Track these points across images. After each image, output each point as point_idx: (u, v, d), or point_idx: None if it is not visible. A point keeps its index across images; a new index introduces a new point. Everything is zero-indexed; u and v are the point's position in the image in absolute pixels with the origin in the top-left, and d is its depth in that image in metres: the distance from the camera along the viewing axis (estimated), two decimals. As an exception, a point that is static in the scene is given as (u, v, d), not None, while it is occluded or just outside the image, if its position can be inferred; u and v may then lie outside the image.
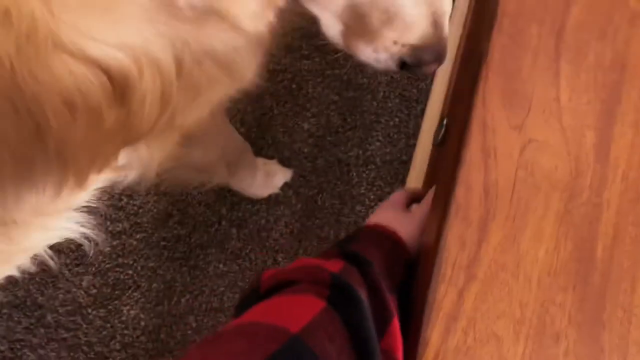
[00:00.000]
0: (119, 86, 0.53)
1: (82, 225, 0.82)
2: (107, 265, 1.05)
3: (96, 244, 0.86)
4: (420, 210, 0.60)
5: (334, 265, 0.47)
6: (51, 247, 0.82)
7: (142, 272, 1.05)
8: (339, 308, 0.42)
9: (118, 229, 1.06)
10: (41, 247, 0.78)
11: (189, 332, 1.03)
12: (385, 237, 0.55)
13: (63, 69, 0.49)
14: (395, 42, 0.54)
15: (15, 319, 1.02)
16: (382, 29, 0.54)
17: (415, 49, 0.54)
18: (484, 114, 0.50)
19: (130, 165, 0.74)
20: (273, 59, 1.25)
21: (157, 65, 0.54)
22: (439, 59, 0.55)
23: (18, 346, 1.01)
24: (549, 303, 0.46)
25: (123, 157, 0.69)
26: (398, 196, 0.65)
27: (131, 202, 1.08)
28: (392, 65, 0.56)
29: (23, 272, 0.80)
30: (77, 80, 0.50)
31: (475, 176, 0.48)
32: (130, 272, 1.05)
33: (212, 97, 0.70)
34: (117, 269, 1.05)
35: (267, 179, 1.06)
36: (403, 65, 0.56)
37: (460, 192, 0.48)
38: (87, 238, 0.83)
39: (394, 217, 0.59)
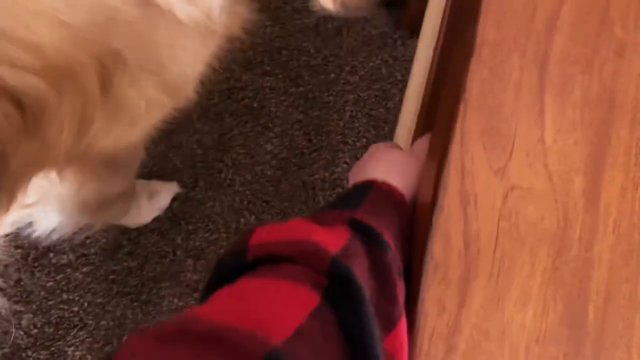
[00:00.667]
0: (33, 116, 0.46)
1: None
2: (50, 302, 0.96)
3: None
4: (421, 146, 0.55)
5: (337, 240, 0.39)
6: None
7: (89, 308, 0.96)
8: (336, 305, 0.35)
9: (62, 261, 0.98)
10: None
11: (141, 373, 0.95)
12: (397, 203, 0.48)
13: None
14: None
15: (-56, 365, 0.92)
16: None
17: None
18: (462, 155, 0.45)
19: (43, 202, 0.67)
20: (233, 76, 1.18)
21: (79, 86, 0.48)
22: None
23: (-54, 396, 0.91)
24: (538, 376, 0.40)
25: (33, 193, 0.62)
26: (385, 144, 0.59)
27: (77, 231, 0.99)
28: None
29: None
30: None
31: (455, 227, 0.43)
32: (76, 309, 0.96)
33: (149, 122, 0.64)
34: (61, 305, 0.96)
35: (151, 201, 0.98)
36: None
37: (437, 246, 0.42)
38: None
39: (396, 161, 0.53)
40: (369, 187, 0.49)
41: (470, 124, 0.46)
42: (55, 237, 0.82)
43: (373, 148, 0.58)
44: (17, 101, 0.45)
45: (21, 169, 0.51)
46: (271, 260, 0.38)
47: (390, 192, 0.49)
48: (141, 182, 0.97)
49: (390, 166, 0.52)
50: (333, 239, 0.39)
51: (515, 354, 0.41)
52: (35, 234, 0.83)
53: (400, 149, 0.59)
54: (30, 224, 0.81)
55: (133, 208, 0.95)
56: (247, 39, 0.64)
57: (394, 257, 0.41)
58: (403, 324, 0.39)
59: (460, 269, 0.42)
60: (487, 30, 0.49)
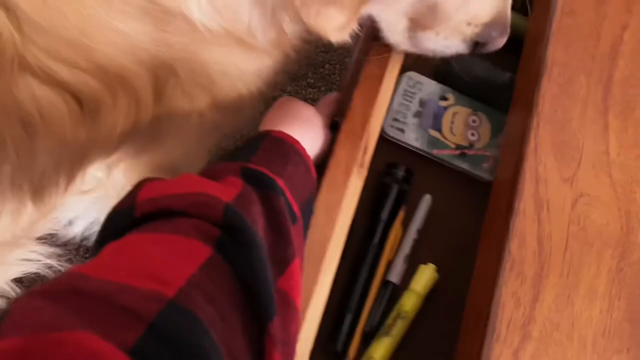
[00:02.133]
0: (89, 109, 0.50)
1: (47, 257, 0.77)
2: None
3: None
4: (323, 109, 0.56)
5: (229, 190, 0.39)
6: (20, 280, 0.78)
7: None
8: (229, 254, 0.35)
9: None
10: (2, 282, 0.73)
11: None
12: (291, 150, 0.48)
13: (26, 93, 0.46)
14: (468, 24, 0.53)
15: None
16: (456, 14, 0.52)
17: (485, 27, 0.53)
18: (536, 164, 0.49)
19: (100, 188, 0.70)
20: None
21: (133, 92, 0.52)
22: (505, 31, 0.54)
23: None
24: (604, 366, 0.44)
25: (91, 179, 0.65)
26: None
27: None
28: (464, 48, 0.55)
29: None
30: (40, 105, 0.47)
31: (529, 229, 0.47)
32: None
33: (203, 138, 0.67)
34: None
35: None
36: (475, 45, 0.55)
37: (514, 245, 0.46)
38: (51, 269, 0.79)
39: (299, 114, 0.53)
40: (263, 136, 0.49)
41: (543, 135, 0.50)
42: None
43: (281, 99, 0.59)
44: (76, 96, 0.49)
45: (79, 155, 0.55)
46: (162, 215, 0.37)
47: (283, 139, 0.49)
48: None
49: (291, 118, 0.53)
50: (226, 189, 0.39)
51: (583, 345, 0.44)
52: (94, 230, 0.86)
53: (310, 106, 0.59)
54: (92, 223, 0.85)
55: None
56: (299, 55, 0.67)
57: (286, 202, 0.42)
58: (296, 263, 0.40)
59: (535, 267, 0.46)
60: (557, 51, 0.53)
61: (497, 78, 0.64)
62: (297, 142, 0.49)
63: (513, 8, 0.55)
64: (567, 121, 0.51)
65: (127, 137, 0.56)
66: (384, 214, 0.58)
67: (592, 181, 0.49)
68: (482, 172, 0.61)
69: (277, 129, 0.50)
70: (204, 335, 0.30)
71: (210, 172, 0.43)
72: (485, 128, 0.64)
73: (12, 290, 0.75)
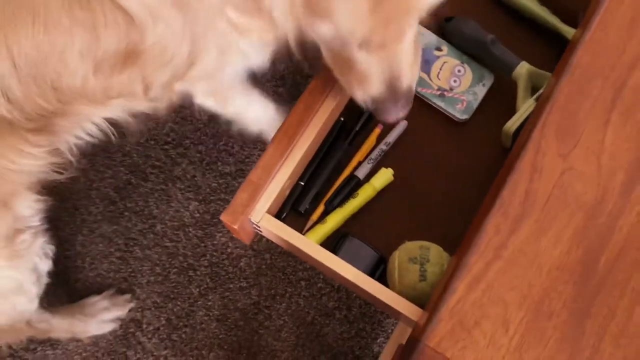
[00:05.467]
0: None
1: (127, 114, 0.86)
2: (212, 197, 1.27)
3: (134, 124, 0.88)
4: None
5: None
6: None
7: (237, 209, 1.26)
8: None
9: (226, 170, 1.28)
10: (94, 116, 0.83)
11: (263, 267, 1.23)
12: None
13: None
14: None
15: (133, 221, 1.26)
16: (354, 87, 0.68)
17: (375, 100, 0.67)
18: (540, 139, 0.65)
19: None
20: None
21: None
22: (394, 110, 0.68)
23: (131, 243, 1.25)
24: (551, 289, 0.61)
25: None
26: None
27: (241, 151, 1.29)
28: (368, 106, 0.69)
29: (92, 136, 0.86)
30: None
31: (521, 183, 0.63)
32: (228, 207, 1.26)
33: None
34: (219, 202, 1.27)
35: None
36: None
37: (507, 192, 0.63)
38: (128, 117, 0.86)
39: None
40: None
41: (552, 119, 0.65)
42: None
43: None
44: None
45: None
46: None
47: None
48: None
49: None
50: None
51: (539, 271, 0.61)
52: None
53: None
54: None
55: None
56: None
57: None
58: None
59: (517, 211, 0.63)
60: (584, 57, 0.68)
61: (481, 38, 0.82)
62: None
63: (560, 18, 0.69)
64: (575, 112, 0.66)
65: None
66: (358, 125, 0.81)
67: (582, 160, 0.64)
68: (455, 111, 0.82)
69: None
70: None
71: None
72: (467, 78, 0.83)
73: (106, 126, 0.85)
